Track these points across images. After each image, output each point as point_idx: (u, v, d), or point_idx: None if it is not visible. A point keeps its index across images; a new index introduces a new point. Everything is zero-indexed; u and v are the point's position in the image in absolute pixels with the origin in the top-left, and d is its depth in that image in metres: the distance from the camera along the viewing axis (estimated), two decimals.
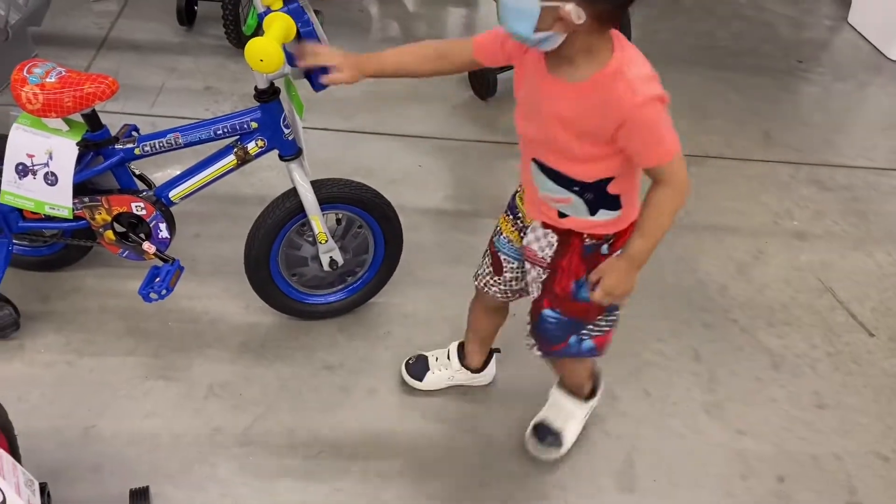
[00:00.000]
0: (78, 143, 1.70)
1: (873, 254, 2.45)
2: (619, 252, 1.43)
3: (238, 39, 2.89)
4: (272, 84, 1.68)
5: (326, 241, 1.85)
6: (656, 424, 1.90)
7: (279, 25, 1.44)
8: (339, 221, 1.91)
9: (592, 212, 1.41)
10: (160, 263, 1.82)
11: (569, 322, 1.54)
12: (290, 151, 1.75)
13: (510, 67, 1.40)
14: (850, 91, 3.29)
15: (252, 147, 1.74)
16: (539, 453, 1.76)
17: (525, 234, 1.53)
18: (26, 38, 2.77)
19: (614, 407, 1.92)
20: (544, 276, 1.52)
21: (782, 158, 2.83)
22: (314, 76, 1.57)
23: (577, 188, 1.37)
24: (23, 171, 1.72)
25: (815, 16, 3.83)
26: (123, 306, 1.98)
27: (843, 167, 2.82)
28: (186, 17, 3.06)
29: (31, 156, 1.70)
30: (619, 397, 1.94)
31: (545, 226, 1.47)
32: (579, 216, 1.42)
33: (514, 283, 1.64)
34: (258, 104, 1.70)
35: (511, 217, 1.59)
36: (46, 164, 1.71)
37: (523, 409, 1.84)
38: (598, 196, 1.38)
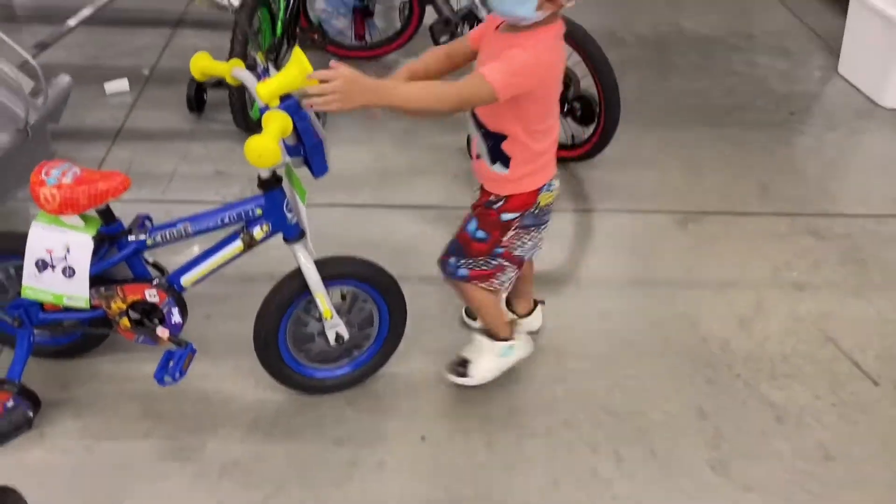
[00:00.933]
0: (93, 238, 1.80)
1: (874, 301, 2.48)
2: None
3: (245, 124, 3.02)
4: (274, 173, 1.77)
5: (332, 318, 1.92)
6: (664, 485, 1.91)
7: (276, 124, 1.54)
8: (343, 297, 1.98)
9: (492, 161, 1.79)
10: (174, 347, 1.90)
11: (456, 244, 1.93)
12: (294, 234, 1.84)
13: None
14: (843, 139, 3.35)
15: (258, 232, 1.83)
16: (449, 377, 2.06)
17: None
18: (45, 134, 2.91)
19: (621, 469, 1.94)
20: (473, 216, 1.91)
21: (779, 210, 2.88)
22: (314, 164, 1.66)
23: (483, 131, 1.77)
24: (42, 265, 1.81)
25: (806, 68, 3.93)
26: (139, 390, 2.04)
27: (840, 216, 2.86)
28: (196, 104, 3.21)
29: (49, 251, 1.80)
30: (625, 458, 1.96)
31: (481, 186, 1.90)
32: (484, 160, 1.81)
33: None
34: (262, 192, 1.79)
35: None
36: (64, 259, 1.80)
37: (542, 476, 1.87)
38: (494, 147, 1.76)
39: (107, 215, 1.82)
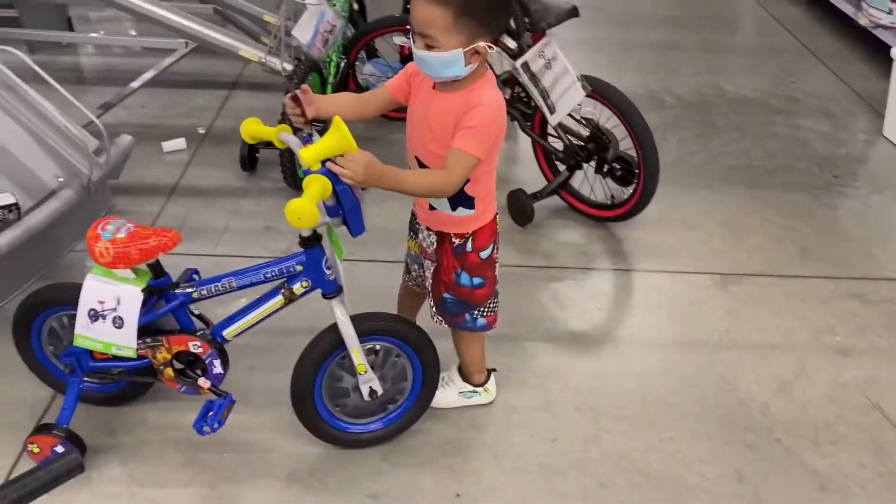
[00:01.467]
0: (143, 290, 1.88)
1: None
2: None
3: (294, 182, 3.14)
4: (315, 232, 1.85)
5: (366, 372, 1.96)
6: None
7: (316, 186, 1.62)
8: (377, 352, 2.03)
9: (454, 207, 1.86)
10: (214, 398, 1.96)
11: (462, 303, 2.01)
12: (332, 290, 1.90)
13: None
14: (888, 203, 3.33)
15: (297, 288, 1.89)
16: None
17: (418, 235, 2.02)
18: (106, 190, 3.07)
19: None
20: (432, 268, 2.00)
21: (822, 273, 2.86)
22: (351, 224, 1.73)
23: None
24: (94, 316, 1.90)
25: (849, 131, 3.93)
26: (183, 438, 2.10)
27: (885, 280, 2.83)
28: (249, 163, 3.35)
29: (101, 302, 1.89)
30: None
31: (427, 228, 1.97)
32: (443, 210, 1.88)
33: (418, 278, 2.14)
34: (303, 250, 1.87)
35: (409, 229, 2.09)
36: (115, 309, 1.89)
37: None
38: (457, 194, 1.80)
39: (156, 269, 1.91)
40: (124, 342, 1.91)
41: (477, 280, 1.97)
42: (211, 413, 1.91)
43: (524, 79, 2.86)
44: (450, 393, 2.22)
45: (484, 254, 1.95)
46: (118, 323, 1.89)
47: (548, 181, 3.15)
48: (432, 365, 2.05)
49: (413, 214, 2.08)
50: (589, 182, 3.11)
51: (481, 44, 1.66)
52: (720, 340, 2.54)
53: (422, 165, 1.86)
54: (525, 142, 3.33)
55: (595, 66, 3.09)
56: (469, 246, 1.93)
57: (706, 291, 2.77)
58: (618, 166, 2.97)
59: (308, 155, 1.64)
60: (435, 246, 1.98)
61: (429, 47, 1.66)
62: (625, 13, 5.66)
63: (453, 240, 1.94)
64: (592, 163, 3.04)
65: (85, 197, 2.74)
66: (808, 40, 5.13)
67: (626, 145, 2.93)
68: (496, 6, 1.68)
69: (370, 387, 1.99)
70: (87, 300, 1.89)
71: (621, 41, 5.09)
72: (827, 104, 4.18)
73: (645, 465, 2.08)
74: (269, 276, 1.89)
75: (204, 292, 1.91)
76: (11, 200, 2.46)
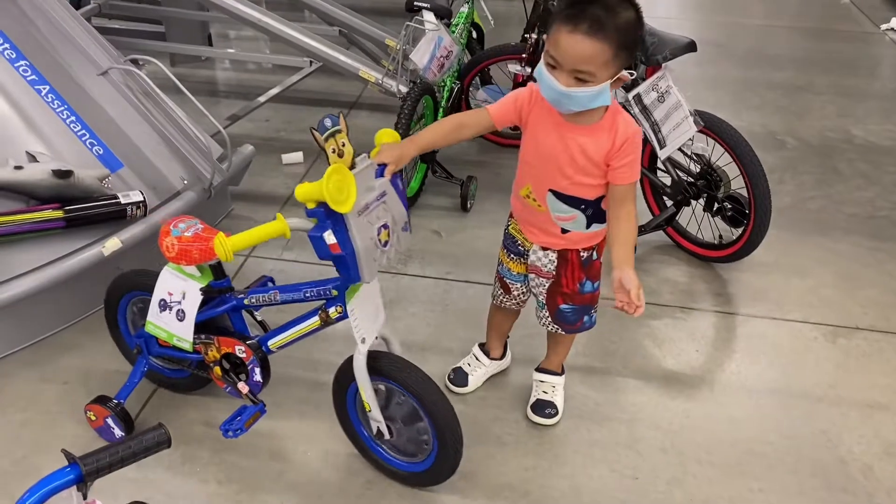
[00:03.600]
0: (202, 289, 1.97)
1: None
2: (617, 271, 1.81)
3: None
4: None
5: (370, 411, 1.93)
6: None
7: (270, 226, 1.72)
8: (390, 395, 1.95)
9: (588, 225, 1.94)
10: (249, 403, 2.02)
11: (581, 308, 2.09)
12: None
13: None
14: None
15: (332, 312, 1.88)
16: (544, 422, 2.24)
17: (527, 257, 2.06)
18: (226, 195, 3.26)
19: None
20: (548, 284, 2.06)
21: None
22: (341, 268, 1.74)
23: (583, 206, 1.90)
24: (163, 305, 2.02)
25: None
26: (217, 436, 2.07)
27: None
28: None
29: (170, 294, 2.00)
30: None
31: (544, 248, 2.01)
32: (578, 229, 1.95)
33: (521, 296, 2.19)
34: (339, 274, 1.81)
35: (509, 251, 2.12)
36: (179, 302, 1.99)
37: None
38: (595, 211, 1.91)
39: (217, 270, 1.98)
40: (183, 335, 2.01)
41: (597, 284, 2.07)
42: (239, 418, 1.97)
43: (635, 111, 2.84)
44: (561, 394, 2.29)
45: (598, 259, 2.04)
46: (180, 315, 1.99)
47: (653, 215, 3.10)
48: (449, 430, 1.89)
49: (512, 237, 2.10)
50: (696, 220, 3.04)
51: (624, 72, 1.70)
52: (823, 394, 2.41)
53: (558, 196, 1.90)
54: None
55: (712, 103, 3.03)
56: (595, 255, 2.03)
57: (813, 342, 2.64)
58: (728, 205, 2.89)
59: (301, 191, 1.65)
60: (556, 263, 2.02)
61: (581, 81, 1.67)
62: (750, 51, 5.51)
63: (581, 253, 2.00)
64: (701, 200, 2.97)
65: (206, 199, 2.92)
66: None
67: (737, 184, 2.85)
68: (641, 36, 1.77)
69: (378, 427, 1.97)
70: (160, 290, 2.01)
71: (743, 79, 4.95)
72: None
73: None
74: (309, 295, 1.90)
75: (254, 300, 1.98)
76: (140, 198, 2.65)
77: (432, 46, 3.19)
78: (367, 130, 4.11)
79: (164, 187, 2.84)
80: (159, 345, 2.14)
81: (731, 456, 2.18)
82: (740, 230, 2.89)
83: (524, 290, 2.16)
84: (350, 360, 1.89)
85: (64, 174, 2.53)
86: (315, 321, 1.94)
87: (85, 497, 1.04)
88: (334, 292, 1.87)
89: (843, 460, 2.17)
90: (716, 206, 2.92)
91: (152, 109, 2.99)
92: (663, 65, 2.79)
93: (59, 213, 2.52)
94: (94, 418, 2.13)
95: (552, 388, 2.29)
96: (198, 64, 4.94)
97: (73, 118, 2.80)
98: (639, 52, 2.82)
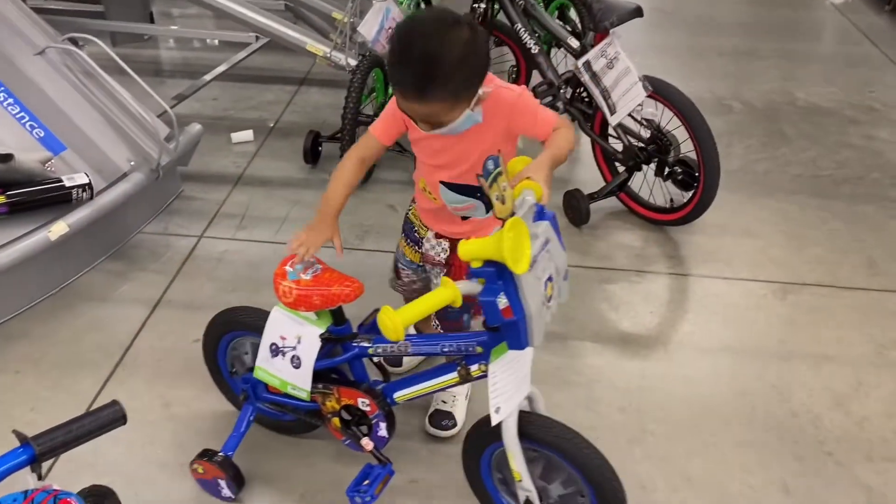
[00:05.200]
0: (321, 335, 1.79)
1: None
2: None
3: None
4: None
5: (521, 480, 1.63)
6: None
7: (443, 294, 1.44)
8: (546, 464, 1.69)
9: (488, 210, 1.79)
10: (375, 462, 1.86)
11: (464, 305, 1.73)
12: None
13: None
14: None
15: (475, 370, 1.66)
16: (440, 434, 2.12)
17: (421, 245, 1.99)
18: (175, 176, 3.20)
19: None
20: (441, 275, 1.96)
21: (889, 287, 2.76)
22: (508, 337, 1.53)
23: (478, 194, 1.79)
24: (275, 350, 1.83)
25: None
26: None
27: None
28: (312, 156, 3.43)
29: (283, 338, 1.81)
30: None
31: (437, 236, 1.95)
32: (478, 216, 1.86)
33: (411, 283, 2.12)
34: (486, 329, 1.62)
35: (407, 237, 2.04)
36: (294, 348, 1.80)
37: None
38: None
39: (337, 316, 1.80)
40: (300, 383, 1.82)
41: None
42: (367, 482, 1.81)
43: (585, 78, 2.85)
44: (461, 405, 2.16)
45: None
46: (296, 362, 1.81)
47: (606, 182, 3.13)
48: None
49: (410, 222, 2.02)
50: (648, 185, 3.08)
51: (481, 90, 1.61)
52: (774, 350, 2.48)
53: (450, 186, 1.79)
54: (584, 142, 3.32)
55: (661, 70, 3.04)
56: None
57: (762, 300, 2.71)
58: (678, 169, 2.93)
59: (468, 249, 1.43)
60: (448, 253, 1.94)
61: (437, 125, 1.62)
62: (698, 17, 5.57)
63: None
64: (653, 165, 3.00)
65: (154, 180, 2.86)
66: (891, 50, 4.95)
67: (686, 148, 2.89)
68: (484, 66, 1.60)
69: (527, 497, 1.65)
70: (270, 333, 1.83)
71: (691, 46, 5.00)
72: None
73: (687, 470, 2.05)
74: (446, 349, 1.69)
75: (380, 350, 1.78)
76: (85, 181, 2.59)
77: (380, 18, 3.15)
78: (319, 106, 4.10)
79: (110, 169, 2.77)
80: (268, 391, 1.96)
81: (686, 413, 2.23)
82: (690, 193, 2.94)
83: (415, 278, 2.09)
84: (484, 421, 1.63)
85: (3, 158, 2.45)
86: (453, 377, 1.71)
87: (40, 477, 1.02)
88: (479, 349, 1.64)
89: (794, 413, 2.24)
90: (666, 170, 2.96)
91: (94, 90, 2.91)
92: (611, 31, 2.81)
93: (0, 199, 2.45)
94: (202, 471, 1.93)
95: (447, 397, 2.15)
96: (140, 43, 4.81)
97: (10, 100, 2.71)
98: (586, 18, 2.83)
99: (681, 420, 2.21)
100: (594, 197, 3.05)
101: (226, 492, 1.93)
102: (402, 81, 1.56)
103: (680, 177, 2.94)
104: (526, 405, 1.63)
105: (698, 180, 2.87)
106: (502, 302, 1.44)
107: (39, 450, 1.01)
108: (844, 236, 3.04)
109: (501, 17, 3.28)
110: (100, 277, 2.76)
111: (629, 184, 3.11)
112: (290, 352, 1.81)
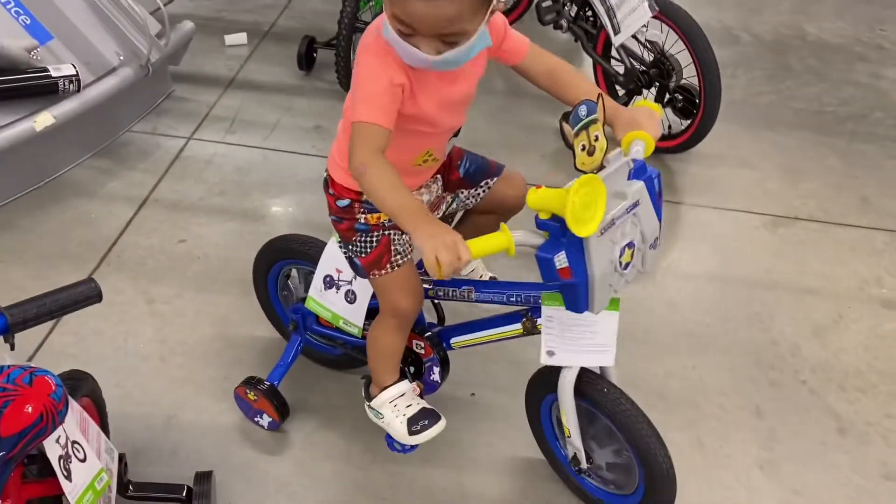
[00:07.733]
0: None
1: None
2: None
3: (349, 84, 3.13)
4: None
5: (570, 436, 1.63)
6: (705, 476, 1.89)
7: (493, 241, 1.30)
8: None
9: (456, 134, 1.67)
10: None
11: None
12: None
13: None
14: None
15: (540, 323, 1.56)
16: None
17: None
18: (166, 75, 3.12)
19: None
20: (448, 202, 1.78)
21: (879, 225, 2.75)
22: (566, 298, 1.44)
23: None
24: (329, 283, 1.77)
25: None
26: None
27: None
28: (306, 62, 3.35)
29: (339, 271, 1.75)
30: (670, 444, 1.88)
31: (420, 186, 1.68)
32: (448, 145, 1.68)
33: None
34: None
35: (401, 234, 1.76)
36: (350, 283, 1.74)
37: None
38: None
39: None
40: (353, 319, 1.77)
41: None
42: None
43: None
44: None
45: None
46: (350, 297, 1.76)
47: None
48: (663, 486, 1.60)
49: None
50: None
51: (494, 1, 1.35)
52: (759, 279, 2.48)
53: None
54: (587, 63, 3.24)
55: None
56: None
57: (753, 231, 2.70)
58: (679, 96, 2.88)
59: (536, 197, 1.29)
60: (441, 181, 1.74)
61: (452, 44, 1.34)
62: None
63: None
64: (653, 90, 2.95)
65: (144, 77, 2.79)
66: None
67: (689, 74, 2.83)
68: None
69: (575, 452, 1.67)
70: (325, 265, 1.76)
71: None
72: None
73: (662, 389, 2.08)
74: (513, 300, 1.60)
75: (440, 293, 1.69)
76: (72, 72, 2.53)
77: None
78: (317, 13, 3.98)
79: (98, 63, 2.70)
80: (319, 323, 1.90)
81: (667, 336, 2.25)
82: (689, 121, 2.90)
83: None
84: (549, 368, 1.60)
85: None
86: (517, 328, 1.63)
87: (13, 348, 1.02)
88: None
89: (774, 341, 2.26)
90: (667, 96, 2.91)
91: None
92: None
93: None
94: (253, 398, 1.88)
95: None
96: None
97: None
98: None
99: (661, 342, 2.23)
100: None
101: (265, 421, 1.89)
102: None
103: (680, 104, 2.89)
104: (596, 368, 1.59)
105: (698, 108, 2.82)
106: (560, 261, 1.33)
107: (12, 319, 1.00)
108: (840, 173, 3.02)
109: None
110: (87, 173, 2.72)
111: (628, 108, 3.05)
112: (345, 286, 1.74)
